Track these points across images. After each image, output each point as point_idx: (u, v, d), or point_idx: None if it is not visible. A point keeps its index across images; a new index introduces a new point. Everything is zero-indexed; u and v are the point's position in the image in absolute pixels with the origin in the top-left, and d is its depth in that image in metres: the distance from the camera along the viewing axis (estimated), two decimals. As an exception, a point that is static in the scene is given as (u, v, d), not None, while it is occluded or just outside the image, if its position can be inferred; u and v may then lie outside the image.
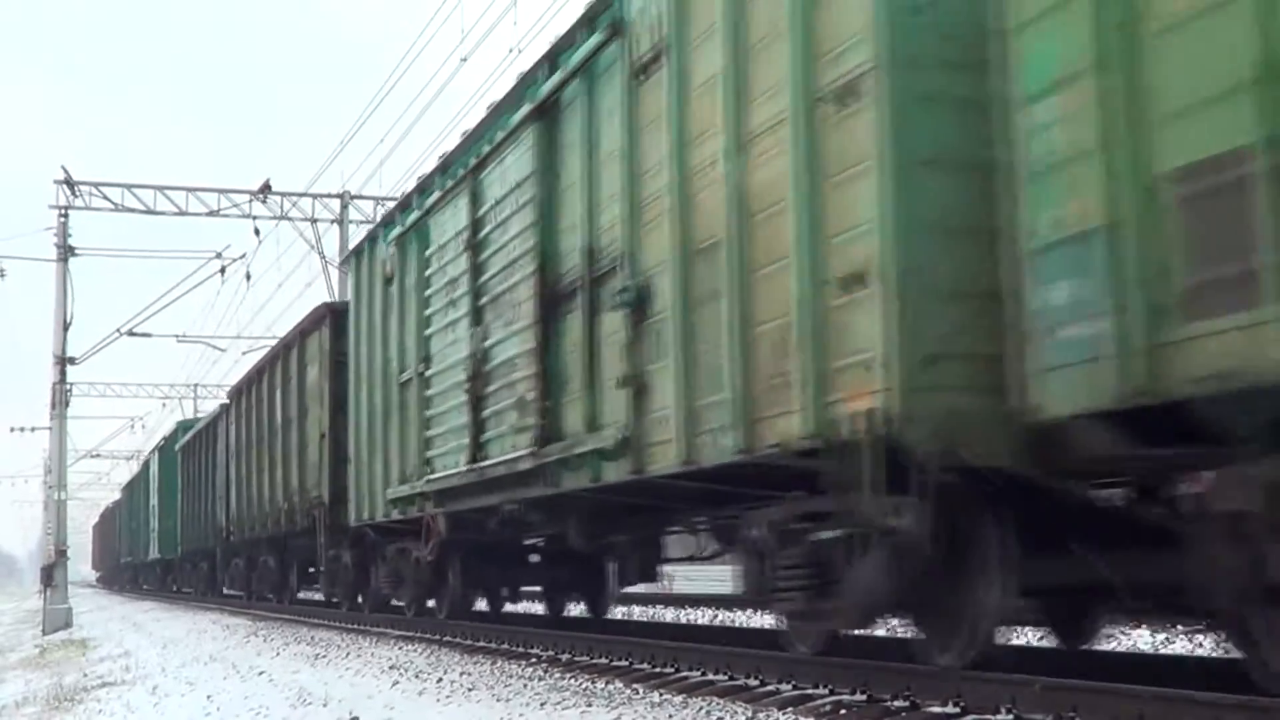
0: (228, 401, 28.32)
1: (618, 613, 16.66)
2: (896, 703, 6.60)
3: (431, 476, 12.80)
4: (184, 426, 38.71)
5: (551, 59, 10.51)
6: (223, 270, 31.25)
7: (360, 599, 18.66)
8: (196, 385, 52.42)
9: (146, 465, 46.68)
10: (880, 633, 11.57)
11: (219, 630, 19.63)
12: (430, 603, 15.46)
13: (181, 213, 29.59)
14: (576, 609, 16.21)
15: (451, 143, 13.02)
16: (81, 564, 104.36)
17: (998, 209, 6.07)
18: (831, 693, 7.09)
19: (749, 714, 6.82)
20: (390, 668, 10.87)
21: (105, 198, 29.53)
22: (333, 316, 18.60)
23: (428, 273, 13.15)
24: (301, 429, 20.29)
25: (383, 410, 14.77)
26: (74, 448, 48.14)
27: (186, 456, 35.13)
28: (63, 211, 29.70)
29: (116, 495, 68.53)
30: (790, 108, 7.22)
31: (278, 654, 13.74)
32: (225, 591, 32.14)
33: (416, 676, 9.93)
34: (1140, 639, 11.01)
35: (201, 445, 32.16)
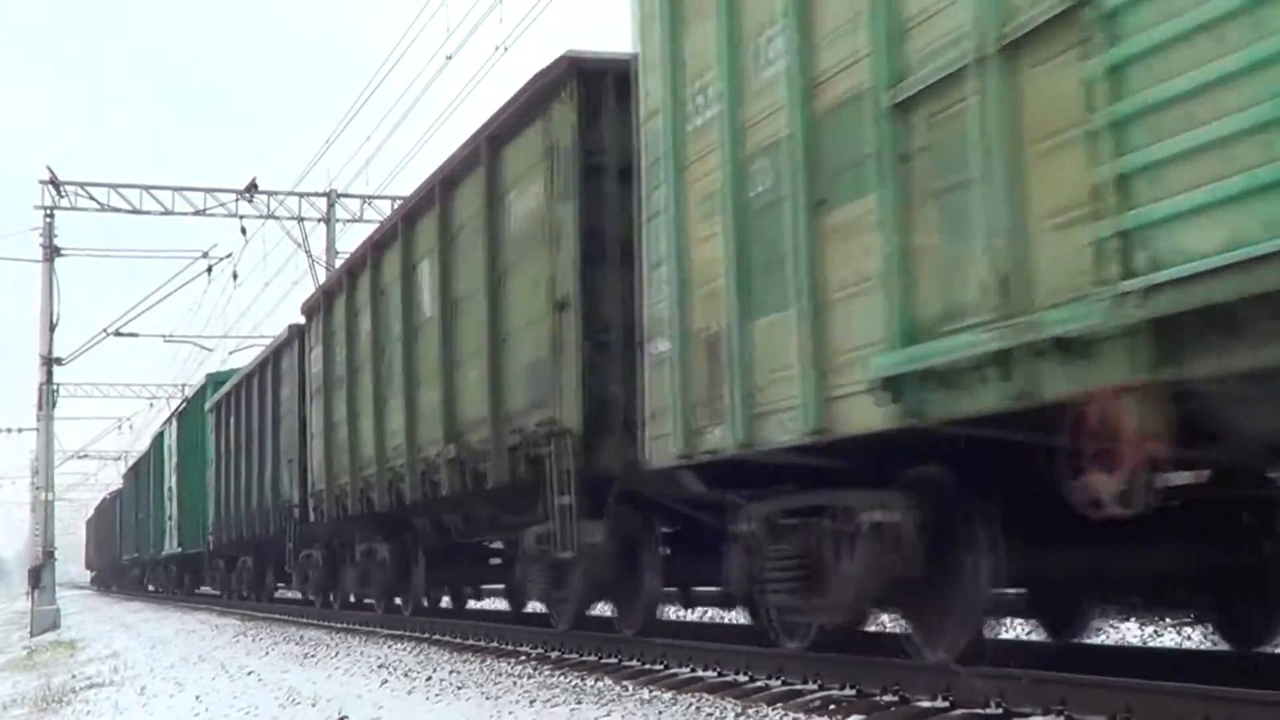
0: (302, 321, 19.13)
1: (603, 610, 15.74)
2: (885, 697, 6.61)
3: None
4: (216, 380, 29.06)
5: None
6: (209, 270, 31.23)
7: (621, 611, 10.72)
8: (184, 385, 52.31)
9: (159, 439, 37.91)
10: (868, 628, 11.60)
11: (208, 630, 19.61)
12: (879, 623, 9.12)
13: (167, 212, 29.55)
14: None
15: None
16: (71, 565, 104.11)
17: None
18: (820, 688, 7.09)
19: (738, 710, 6.82)
20: (379, 666, 10.87)
21: (91, 198, 29.49)
22: (581, 80, 9.93)
23: None
24: (493, 311, 11.28)
25: (800, 195, 6.80)
26: (61, 449, 48.09)
27: (224, 417, 25.78)
28: (48, 212, 29.67)
29: (105, 495, 67.12)
30: None
31: (266, 654, 13.74)
32: (279, 594, 25.47)
33: (405, 675, 9.93)
34: (1128, 632, 11.04)
35: (251, 396, 23.25)
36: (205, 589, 34.14)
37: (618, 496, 9.89)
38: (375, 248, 15.00)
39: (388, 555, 15.72)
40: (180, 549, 32.47)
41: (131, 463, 51.90)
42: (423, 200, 13.28)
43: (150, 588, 45.35)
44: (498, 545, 14.82)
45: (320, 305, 17.51)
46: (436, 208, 12.68)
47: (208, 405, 28.09)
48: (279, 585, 25.02)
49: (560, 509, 9.83)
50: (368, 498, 15.31)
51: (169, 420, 35.88)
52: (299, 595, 23.46)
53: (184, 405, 33.28)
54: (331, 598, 19.59)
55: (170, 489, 33.83)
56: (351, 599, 18.92)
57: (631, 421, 8.86)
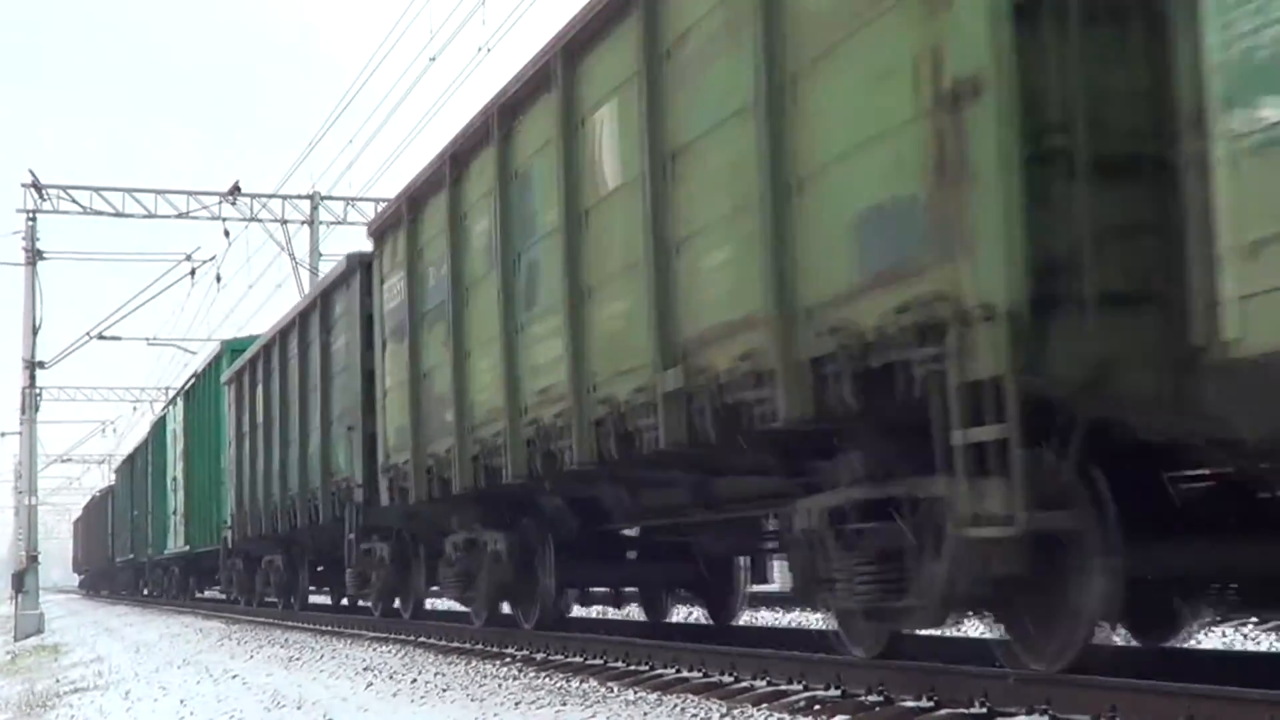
0: (366, 249, 14.61)
1: (589, 612, 16.06)
2: (870, 697, 6.62)
3: None
4: (234, 348, 24.59)
5: None
6: (193, 273, 31.23)
7: (1029, 634, 6.17)
8: (168, 388, 52.25)
9: (161, 424, 33.81)
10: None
11: (192, 634, 19.56)
12: None
13: (150, 215, 29.54)
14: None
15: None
16: (54, 569, 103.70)
17: None
18: (805, 688, 7.10)
19: (723, 710, 6.83)
20: (364, 669, 10.86)
21: (73, 200, 29.48)
22: None
23: None
24: (774, 141, 6.91)
25: None
26: (44, 452, 47.96)
27: (249, 386, 21.22)
28: (30, 215, 29.62)
29: (94, 493, 65.25)
30: None
31: (251, 657, 13.71)
32: (308, 598, 21.41)
33: (390, 678, 9.92)
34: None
35: (287, 355, 18.57)
36: (212, 593, 31.14)
37: (1065, 430, 5.65)
38: (504, 113, 10.34)
39: (504, 548, 11.47)
40: (187, 547, 28.53)
41: (123, 458, 48.73)
42: (601, 18, 8.84)
43: (145, 592, 41.01)
44: (630, 533, 11.96)
45: (402, 219, 12.75)
46: (635, 20, 8.32)
47: (224, 377, 23.61)
48: (312, 589, 21.53)
49: (967, 452, 5.57)
50: (487, 467, 10.99)
51: (173, 400, 31.22)
52: (334, 601, 21.15)
53: (192, 381, 28.46)
54: (398, 604, 15.78)
55: (175, 480, 29.93)
56: (422, 605, 15.52)
57: (1120, 295, 5.43)
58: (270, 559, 21.65)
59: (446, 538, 12.83)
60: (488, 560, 11.82)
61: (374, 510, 14.60)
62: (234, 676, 11.38)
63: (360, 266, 14.90)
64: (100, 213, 29.40)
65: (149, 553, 36.18)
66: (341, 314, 15.83)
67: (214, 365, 26.01)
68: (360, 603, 17.59)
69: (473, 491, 11.40)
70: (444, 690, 8.78)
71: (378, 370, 13.81)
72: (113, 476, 56.00)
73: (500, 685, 8.83)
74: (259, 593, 23.25)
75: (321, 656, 12.79)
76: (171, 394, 35.59)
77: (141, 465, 37.70)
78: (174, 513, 30.09)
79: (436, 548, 13.58)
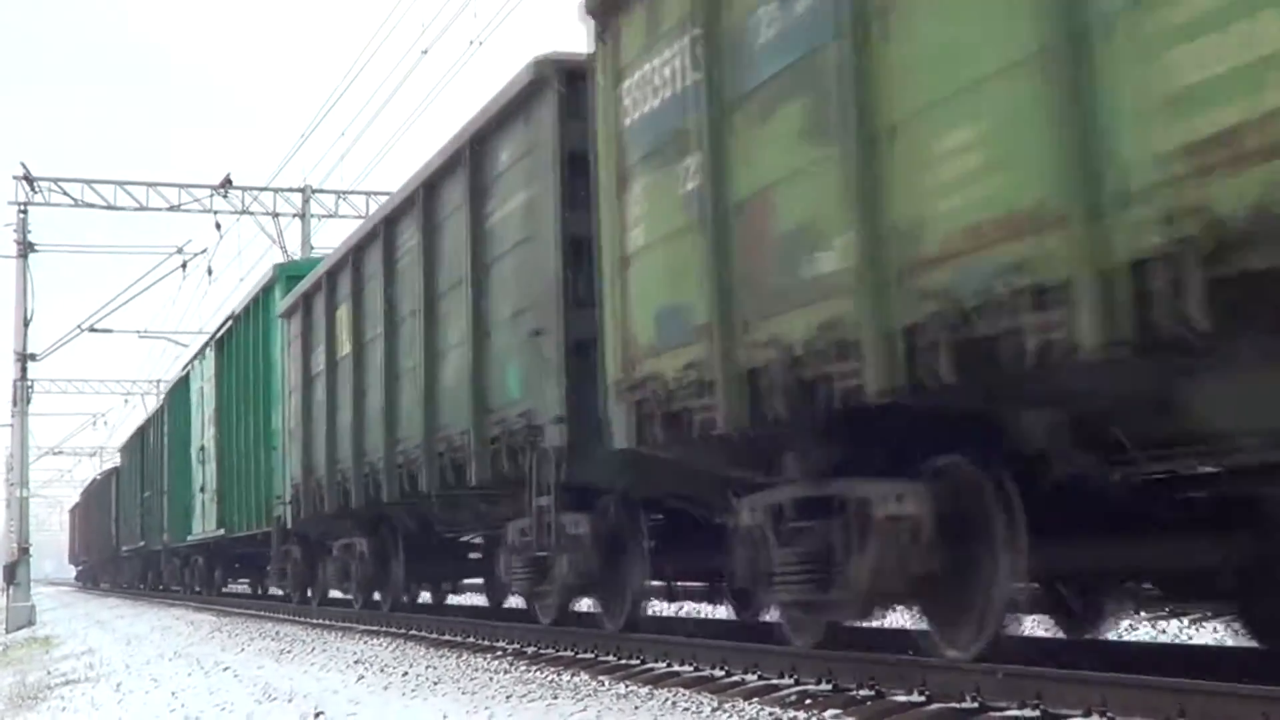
0: (603, 7, 8.21)
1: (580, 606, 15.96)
2: (861, 692, 6.63)
3: None
4: (289, 273, 19.16)
5: None
6: (184, 265, 31.24)
7: None
8: (159, 381, 52.20)
9: (182, 384, 28.38)
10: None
11: (183, 626, 19.55)
12: None
13: (142, 208, 29.56)
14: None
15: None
16: (45, 561, 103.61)
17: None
18: (796, 682, 7.11)
19: (715, 704, 6.83)
20: (355, 662, 10.86)
21: (65, 193, 29.48)
22: None
23: None
24: None
25: None
26: (35, 445, 47.91)
27: (324, 312, 15.52)
28: (21, 208, 29.61)
29: (95, 475, 61.80)
30: None
31: (242, 650, 13.71)
32: (402, 595, 15.38)
33: (381, 670, 9.93)
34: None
35: (393, 250, 12.97)
36: (237, 587, 27.97)
37: None
38: None
39: (924, 511, 6.11)
40: (221, 531, 22.84)
41: (131, 433, 42.80)
42: None
43: (160, 585, 35.59)
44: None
45: None
46: None
47: (281, 308, 17.94)
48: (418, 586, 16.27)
49: None
50: (961, 344, 5.30)
51: (200, 352, 25.52)
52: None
53: (228, 324, 22.86)
54: (601, 608, 10.31)
55: (203, 449, 24.44)
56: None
57: None
58: (348, 543, 15.77)
59: (745, 498, 7.50)
60: (885, 537, 6.33)
61: (579, 460, 9.37)
62: (225, 669, 11.38)
63: (558, 77, 9.41)
64: (92, 205, 29.42)
65: (165, 539, 30.45)
66: (513, 162, 10.25)
67: (261, 299, 20.02)
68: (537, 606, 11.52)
69: (882, 401, 5.80)
70: (435, 683, 8.78)
71: (604, 232, 8.40)
72: (105, 469, 55.30)
73: (492, 679, 8.84)
74: (322, 586, 18.06)
75: (313, 649, 12.79)
76: (158, 399, 30.99)
77: (155, 438, 32.12)
78: (201, 490, 24.64)
79: (680, 520, 9.67)
